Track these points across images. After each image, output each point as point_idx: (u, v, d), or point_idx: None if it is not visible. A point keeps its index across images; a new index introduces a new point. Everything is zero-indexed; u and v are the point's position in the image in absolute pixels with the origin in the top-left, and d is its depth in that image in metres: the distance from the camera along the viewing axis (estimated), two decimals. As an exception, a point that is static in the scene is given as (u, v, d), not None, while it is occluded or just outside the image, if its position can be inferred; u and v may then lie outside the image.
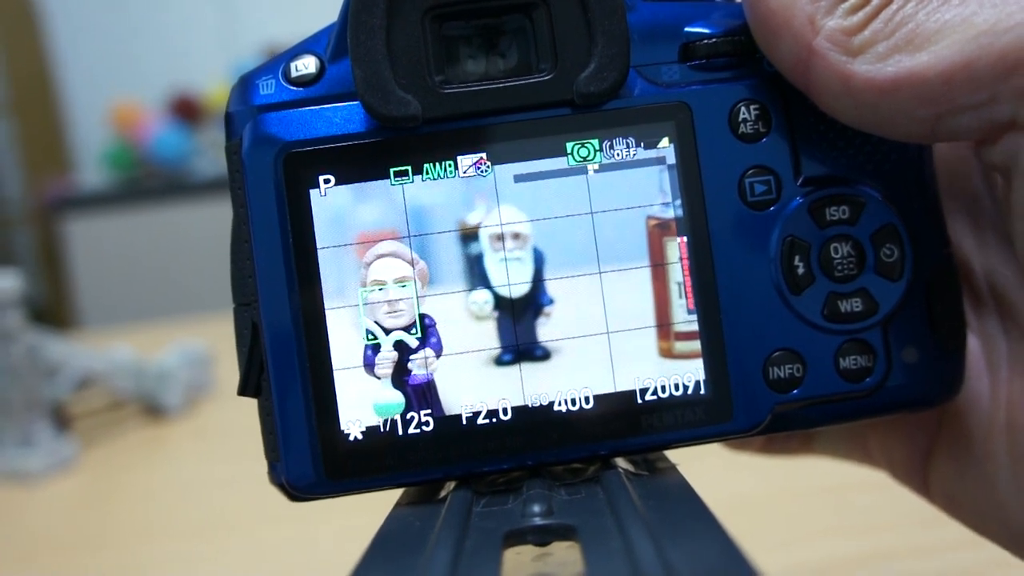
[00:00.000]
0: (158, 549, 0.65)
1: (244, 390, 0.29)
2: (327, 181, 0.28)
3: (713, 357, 0.29)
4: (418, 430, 0.28)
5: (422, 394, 0.28)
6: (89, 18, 3.04)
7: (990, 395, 0.30)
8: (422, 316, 0.28)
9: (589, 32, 0.28)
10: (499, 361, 0.28)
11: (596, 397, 0.28)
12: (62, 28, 3.07)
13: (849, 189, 0.29)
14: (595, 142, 0.28)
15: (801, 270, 0.29)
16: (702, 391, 0.28)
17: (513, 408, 0.28)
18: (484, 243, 0.28)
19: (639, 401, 0.28)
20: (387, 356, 0.28)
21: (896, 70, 0.25)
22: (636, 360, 0.28)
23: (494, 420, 0.28)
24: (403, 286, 0.28)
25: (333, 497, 0.28)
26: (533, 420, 0.28)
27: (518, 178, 0.28)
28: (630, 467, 0.28)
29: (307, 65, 0.29)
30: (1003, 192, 0.28)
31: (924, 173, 0.30)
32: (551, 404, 0.28)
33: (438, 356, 0.28)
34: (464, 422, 0.28)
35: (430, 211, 0.28)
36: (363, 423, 0.28)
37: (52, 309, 2.91)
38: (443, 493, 0.28)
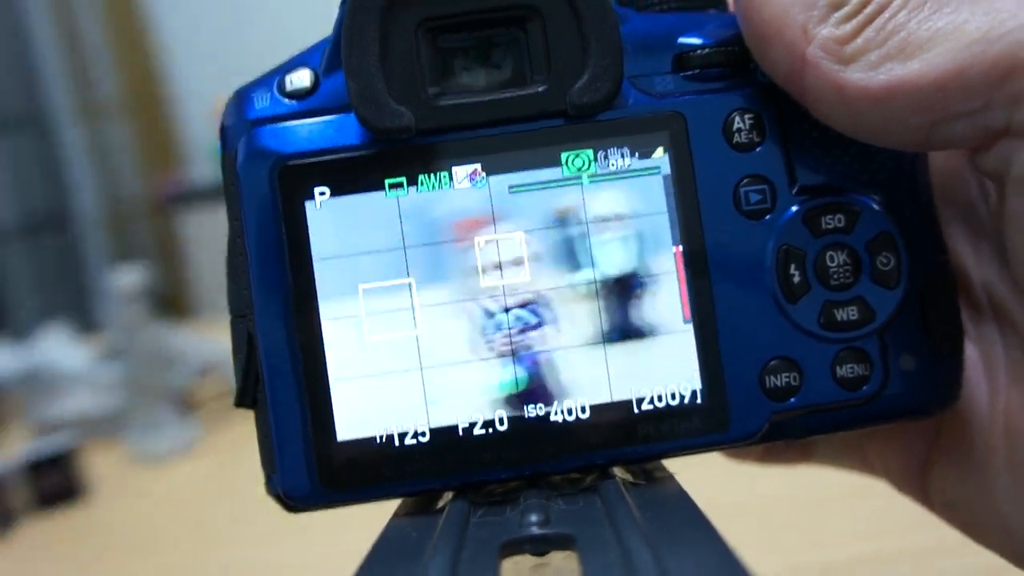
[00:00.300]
0: (274, 524, 0.68)
1: (241, 401, 0.29)
2: (322, 193, 0.28)
3: (709, 366, 0.28)
4: (414, 441, 0.28)
5: (540, 370, 0.28)
6: (197, 14, 3.11)
7: (988, 403, 0.30)
8: (535, 294, 0.28)
9: (582, 43, 0.28)
10: (607, 339, 0.28)
11: (592, 407, 0.28)
12: (170, 26, 3.14)
13: (844, 198, 0.29)
14: (589, 152, 0.28)
15: (797, 279, 0.29)
16: (699, 400, 0.28)
17: (509, 418, 0.28)
18: (585, 223, 0.28)
19: (636, 411, 0.28)
20: (506, 334, 0.28)
21: (889, 78, 0.25)
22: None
23: (490, 431, 0.28)
24: (517, 266, 0.28)
25: (329, 508, 0.28)
26: (529, 430, 0.28)
27: (513, 189, 0.28)
28: (628, 476, 0.28)
29: (301, 78, 0.29)
30: (996, 200, 0.28)
31: (919, 181, 0.30)
32: (547, 414, 0.28)
33: (555, 333, 0.28)
34: (460, 433, 0.28)
35: (525, 194, 0.28)
36: (359, 434, 0.28)
37: (170, 299, 3.00)
38: (441, 503, 0.28)
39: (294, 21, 3.05)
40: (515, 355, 0.28)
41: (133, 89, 3.15)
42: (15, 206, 2.93)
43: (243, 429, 0.91)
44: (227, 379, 0.97)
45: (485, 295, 0.28)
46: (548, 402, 0.28)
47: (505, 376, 0.28)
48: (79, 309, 2.80)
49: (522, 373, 0.28)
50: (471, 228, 0.29)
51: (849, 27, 0.26)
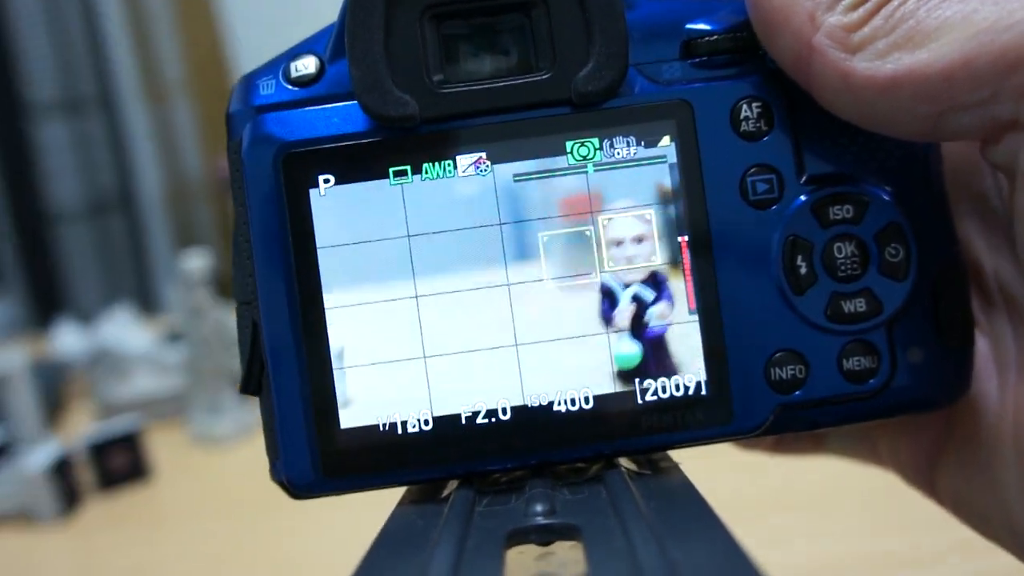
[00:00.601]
0: (331, 509, 0.69)
1: (246, 388, 0.29)
2: (327, 181, 0.28)
3: (714, 358, 0.28)
4: (417, 429, 0.28)
5: (657, 346, 0.28)
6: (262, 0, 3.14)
7: (998, 396, 0.30)
8: (655, 271, 0.28)
9: (587, 31, 0.28)
10: (612, 330, 0.28)
11: (596, 397, 0.28)
12: (234, 8, 3.16)
13: (853, 188, 0.29)
14: (595, 141, 0.28)
15: (804, 270, 0.28)
16: (703, 392, 0.28)
17: (512, 408, 0.28)
18: (591, 215, 0.28)
19: (639, 401, 0.28)
20: (625, 309, 0.28)
21: (896, 67, 0.25)
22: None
23: (493, 420, 0.28)
24: (639, 242, 0.28)
25: (332, 495, 0.28)
26: (532, 420, 0.28)
27: (518, 177, 0.28)
28: (633, 466, 0.28)
29: (307, 65, 0.29)
30: (1007, 193, 0.27)
31: (930, 171, 0.29)
32: (550, 404, 0.28)
33: (672, 308, 0.28)
34: (463, 422, 0.28)
35: (532, 190, 0.28)
36: (363, 422, 0.28)
37: (230, 282, 3.03)
38: (446, 492, 0.28)
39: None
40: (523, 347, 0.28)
41: (198, 70, 3.18)
42: (80, 188, 2.97)
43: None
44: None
45: (491, 284, 0.28)
46: (550, 393, 0.28)
47: (509, 370, 0.28)
48: (141, 291, 2.84)
49: (528, 365, 0.28)
50: (479, 218, 0.28)
51: (857, 15, 0.26)
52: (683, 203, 0.28)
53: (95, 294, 2.76)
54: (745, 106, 0.28)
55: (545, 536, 0.24)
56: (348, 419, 0.28)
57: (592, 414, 0.28)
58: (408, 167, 0.28)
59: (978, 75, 0.24)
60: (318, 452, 0.28)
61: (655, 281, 0.28)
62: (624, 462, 0.28)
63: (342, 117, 0.28)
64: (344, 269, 0.28)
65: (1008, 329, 0.30)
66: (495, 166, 0.28)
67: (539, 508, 0.24)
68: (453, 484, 0.28)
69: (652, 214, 0.28)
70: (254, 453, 0.84)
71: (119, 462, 0.81)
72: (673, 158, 0.28)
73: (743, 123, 0.28)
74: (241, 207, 0.29)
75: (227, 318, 0.89)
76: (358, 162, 0.28)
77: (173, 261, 0.87)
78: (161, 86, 3.21)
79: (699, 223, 0.28)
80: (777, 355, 0.28)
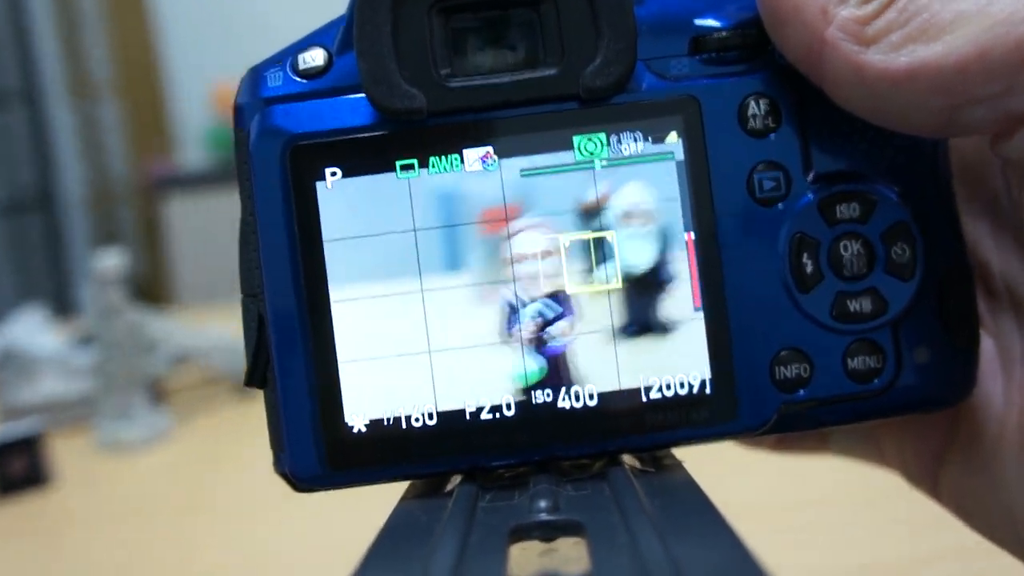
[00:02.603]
0: (246, 516, 0.68)
1: (250, 381, 0.29)
2: (333, 174, 0.28)
3: (719, 355, 0.28)
4: (422, 424, 0.28)
5: (558, 363, 0.28)
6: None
7: (1003, 396, 0.30)
8: (558, 288, 0.28)
9: (596, 26, 0.28)
10: (626, 332, 0.28)
11: (601, 394, 0.28)
12: (167, 9, 3.12)
13: (860, 186, 0.29)
14: (602, 136, 0.28)
15: (810, 268, 0.28)
16: (707, 390, 0.28)
17: (517, 404, 0.28)
18: (611, 220, 0.28)
19: (644, 399, 0.28)
20: (528, 325, 0.28)
21: (910, 60, 0.25)
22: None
23: (498, 415, 0.28)
24: (542, 259, 0.28)
25: (336, 489, 0.28)
26: (537, 416, 0.28)
27: (524, 172, 0.28)
28: (636, 463, 0.28)
29: (315, 57, 0.29)
30: (1017, 189, 0.27)
31: (938, 170, 0.29)
32: (555, 401, 0.28)
33: (572, 326, 0.28)
34: (468, 417, 0.28)
35: (550, 185, 0.28)
36: (367, 415, 0.28)
37: (151, 285, 2.98)
38: (449, 487, 0.28)
39: (293, 9, 3.04)
40: (531, 344, 0.28)
41: (126, 69, 3.14)
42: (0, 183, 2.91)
43: (215, 421, 0.91)
44: (202, 369, 0.96)
45: (498, 281, 0.28)
46: (558, 391, 0.28)
47: (520, 365, 0.28)
48: (58, 293, 2.78)
49: (539, 363, 0.28)
50: (485, 213, 0.28)
51: (870, 8, 0.25)
52: (689, 199, 0.28)
53: (8, 295, 2.70)
54: (753, 103, 0.28)
55: (548, 532, 0.24)
56: (353, 412, 0.28)
57: (597, 411, 0.28)
58: (415, 161, 0.28)
59: (993, 68, 0.24)
60: (323, 445, 0.28)
61: (555, 296, 0.28)
62: (627, 459, 0.28)
63: (350, 110, 0.28)
64: (350, 262, 0.28)
65: (1014, 328, 0.30)
66: (502, 160, 0.28)
67: (543, 504, 0.24)
68: (456, 479, 0.28)
69: (560, 237, 0.28)
70: (164, 460, 0.82)
71: (17, 467, 0.78)
72: (680, 154, 0.28)
73: (751, 120, 0.28)
74: (247, 199, 0.29)
75: (141, 321, 0.87)
76: (365, 155, 0.28)
77: (92, 263, 0.84)
78: (88, 84, 3.16)
79: (705, 220, 0.28)
80: (782, 353, 0.28)
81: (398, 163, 0.28)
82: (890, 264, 0.28)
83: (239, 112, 0.29)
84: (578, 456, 0.28)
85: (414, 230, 0.28)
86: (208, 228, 2.65)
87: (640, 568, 0.20)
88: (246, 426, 0.90)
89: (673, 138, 0.28)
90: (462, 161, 0.28)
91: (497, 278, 0.28)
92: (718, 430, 0.28)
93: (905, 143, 0.29)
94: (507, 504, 0.25)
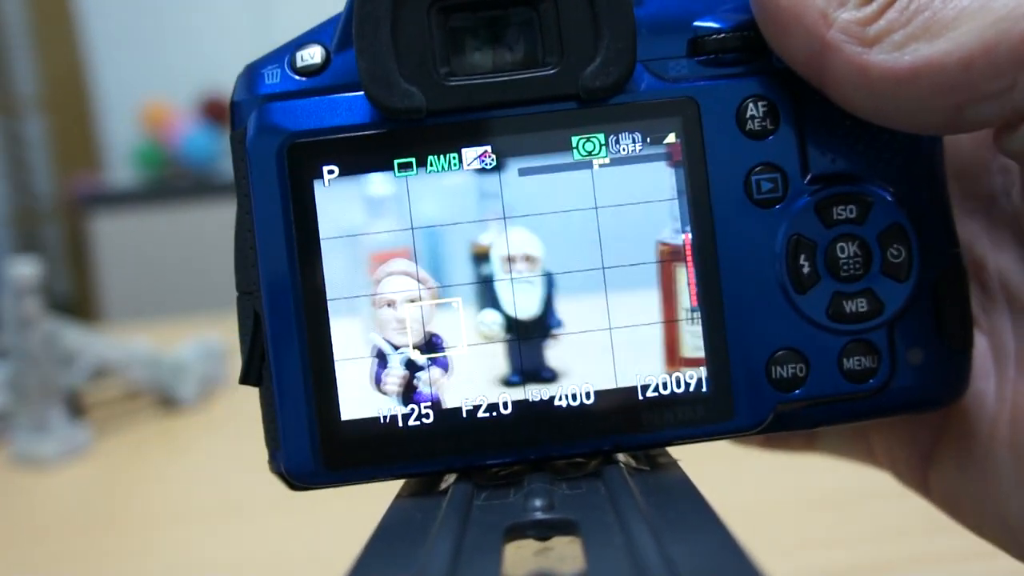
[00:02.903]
0: (168, 535, 0.66)
1: (245, 379, 0.29)
2: (331, 172, 0.28)
3: (716, 355, 0.28)
4: (418, 422, 0.28)
5: (539, 360, 0.28)
6: (122, 17, 3.06)
7: (996, 394, 0.30)
8: (431, 335, 0.28)
9: (595, 26, 0.28)
10: (507, 382, 0.28)
11: (597, 393, 0.28)
12: (95, 26, 3.09)
13: (857, 188, 0.29)
14: (600, 137, 0.28)
15: (806, 269, 0.29)
16: (704, 389, 0.28)
17: (514, 402, 0.28)
18: (495, 265, 0.28)
19: (640, 397, 0.28)
20: (395, 373, 0.28)
21: (914, 58, 0.25)
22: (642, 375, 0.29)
23: (494, 414, 0.28)
24: (412, 304, 0.28)
25: (332, 487, 0.28)
26: (533, 414, 0.28)
27: (523, 172, 0.28)
28: (631, 462, 0.28)
29: (313, 55, 0.29)
30: (1019, 183, 0.28)
31: (934, 172, 0.29)
32: (552, 398, 0.28)
33: (445, 374, 0.28)
34: (464, 415, 0.28)
35: (442, 231, 0.28)
36: (363, 414, 0.28)
37: (77, 304, 2.93)
38: (444, 485, 0.28)
39: (221, 29, 3.02)
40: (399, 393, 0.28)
41: (53, 85, 3.09)
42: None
43: (136, 436, 0.88)
44: (122, 383, 0.93)
45: (492, 275, 0.28)
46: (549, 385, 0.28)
47: (505, 367, 0.28)
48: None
49: (517, 375, 0.28)
50: (487, 238, 0.28)
51: (871, 9, 0.26)
52: (687, 200, 0.28)
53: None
54: (751, 105, 0.29)
55: (544, 531, 0.24)
56: (349, 411, 0.28)
57: (593, 409, 0.28)
58: (413, 159, 0.28)
59: (998, 63, 0.24)
60: (319, 443, 0.28)
61: (429, 345, 0.28)
62: (622, 458, 0.28)
63: (348, 108, 0.28)
64: (347, 260, 0.28)
65: (1008, 327, 0.30)
66: (500, 160, 0.28)
67: (538, 503, 0.24)
68: (451, 477, 0.28)
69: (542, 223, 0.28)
70: (82, 476, 0.80)
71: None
72: (678, 155, 0.28)
73: (749, 122, 0.29)
74: (244, 196, 0.29)
75: (59, 332, 0.84)
76: (363, 153, 0.28)
77: (6, 272, 0.82)
78: (13, 100, 3.10)
79: (703, 220, 0.28)
80: (778, 353, 0.29)
81: (396, 162, 0.28)
82: (886, 265, 0.29)
83: (235, 109, 0.29)
84: (573, 455, 0.29)
85: (411, 229, 0.28)
86: (135, 246, 2.62)
87: (635, 567, 0.20)
88: (168, 441, 0.88)
89: (671, 139, 0.28)
90: (460, 160, 0.28)
91: (489, 273, 0.28)
92: (714, 429, 0.28)
93: (901, 145, 0.29)
94: (502, 503, 0.25)
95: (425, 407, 0.28)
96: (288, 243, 0.28)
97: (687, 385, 0.28)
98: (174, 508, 0.72)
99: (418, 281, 0.28)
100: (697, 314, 0.28)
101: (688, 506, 0.24)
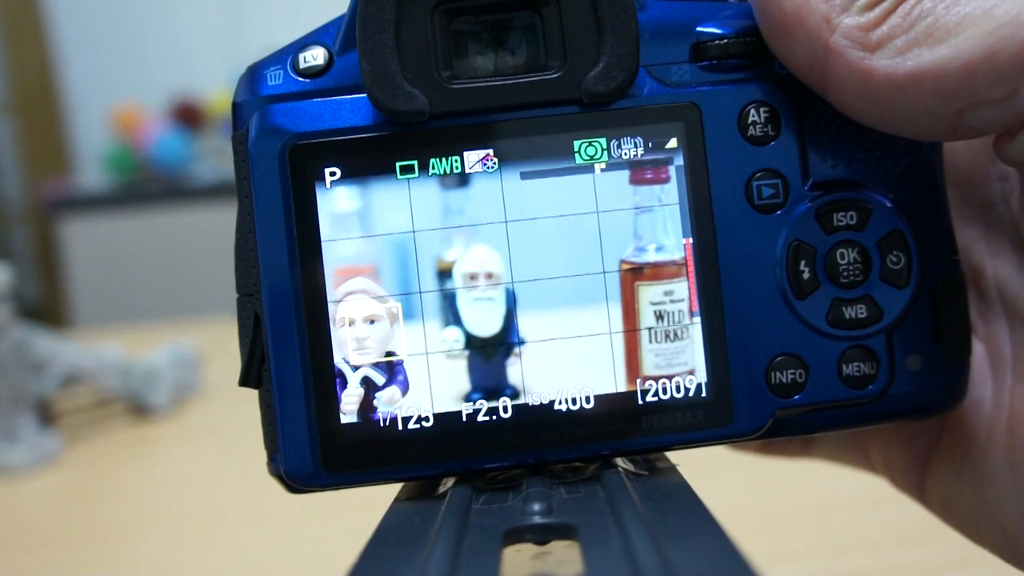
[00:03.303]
0: (139, 544, 0.66)
1: (245, 381, 0.29)
2: (333, 174, 0.28)
3: (715, 360, 0.28)
4: (418, 425, 0.28)
5: (536, 362, 0.28)
6: (93, 20, 3.04)
7: (993, 400, 0.30)
8: (389, 353, 0.28)
9: (599, 30, 0.28)
10: (467, 399, 0.28)
11: (597, 397, 0.28)
12: (66, 29, 3.06)
13: (857, 194, 0.29)
14: (602, 141, 0.28)
15: (806, 275, 0.29)
16: (703, 394, 0.28)
17: (513, 406, 0.28)
18: (457, 281, 0.28)
19: (640, 402, 0.28)
20: (353, 392, 0.28)
21: (917, 64, 0.25)
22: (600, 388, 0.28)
23: (494, 418, 0.28)
24: (371, 323, 0.28)
25: (330, 489, 0.28)
26: (533, 418, 0.28)
27: (525, 175, 0.28)
28: (630, 466, 0.28)
29: (315, 56, 0.29)
30: (1019, 190, 0.28)
31: (933, 180, 0.30)
32: (551, 403, 0.28)
33: (404, 394, 0.28)
34: (464, 419, 0.28)
35: (405, 246, 0.28)
36: (363, 416, 0.28)
37: (47, 309, 2.90)
38: (442, 489, 0.28)
39: (193, 33, 3.01)
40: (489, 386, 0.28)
41: (24, 91, 3.07)
42: None
43: (107, 444, 0.88)
44: (94, 391, 0.92)
45: (494, 283, 0.28)
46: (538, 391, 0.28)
47: (467, 384, 0.28)
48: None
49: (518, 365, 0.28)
50: (451, 255, 0.28)
51: (873, 15, 0.26)
52: (689, 205, 0.28)
53: None
54: (753, 111, 0.29)
55: (542, 535, 0.24)
56: (349, 414, 0.28)
57: (593, 414, 0.28)
58: (415, 162, 0.28)
59: (1000, 70, 0.24)
60: (318, 446, 0.28)
61: (388, 365, 0.28)
62: (621, 462, 0.28)
63: (350, 110, 0.28)
64: (349, 263, 0.28)
65: (1006, 334, 0.30)
66: (502, 163, 0.28)
67: (536, 507, 0.24)
68: (449, 481, 0.28)
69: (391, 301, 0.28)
70: (51, 484, 0.79)
71: None
72: (680, 160, 0.29)
73: (751, 127, 0.29)
74: (245, 198, 0.29)
75: (29, 339, 0.83)
76: (365, 156, 0.28)
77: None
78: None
79: (704, 225, 0.28)
80: (778, 359, 0.29)
81: (398, 164, 0.28)
82: (885, 272, 0.29)
83: (237, 110, 0.29)
84: (572, 459, 0.28)
85: (413, 231, 0.28)
86: (106, 251, 2.60)
87: (633, 571, 0.20)
88: (141, 449, 0.87)
89: (673, 144, 0.28)
90: (462, 163, 0.28)
91: (495, 279, 0.28)
92: (714, 434, 0.28)
93: (901, 152, 0.29)
94: (500, 507, 0.25)
95: (424, 410, 0.28)
96: (289, 245, 0.28)
97: (687, 390, 0.28)
98: (146, 516, 0.70)
99: (379, 300, 0.28)
100: (660, 330, 0.28)
101: (687, 511, 0.24)
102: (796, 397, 0.29)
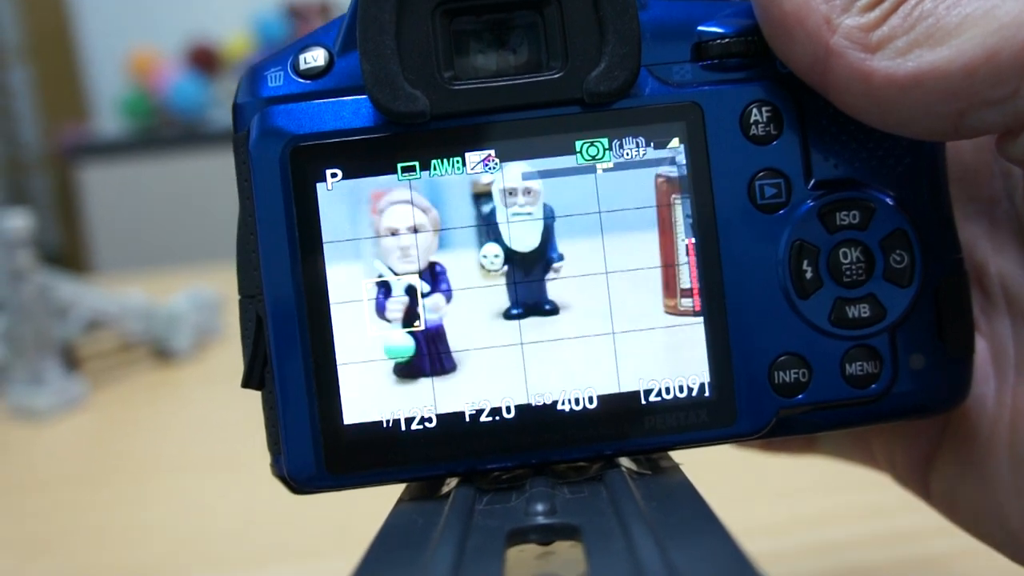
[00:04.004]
0: (164, 485, 0.67)
1: (248, 382, 0.29)
2: (334, 175, 0.28)
3: (718, 360, 0.28)
4: (421, 426, 0.28)
5: (431, 340, 0.28)
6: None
7: (996, 398, 0.30)
8: (433, 263, 0.28)
9: (600, 30, 0.28)
10: (508, 314, 0.28)
11: (600, 397, 0.28)
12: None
13: (860, 193, 0.29)
14: (604, 141, 0.28)
15: (809, 275, 0.29)
16: (706, 393, 0.28)
17: (516, 406, 0.28)
18: (496, 198, 0.28)
19: (643, 402, 0.28)
20: (398, 300, 0.28)
21: (917, 64, 0.25)
22: (640, 316, 0.28)
23: (497, 418, 0.28)
24: (415, 232, 0.28)
25: (333, 490, 0.28)
26: (536, 418, 0.28)
27: (526, 176, 0.28)
28: (633, 466, 0.28)
29: (316, 58, 0.29)
30: (1021, 188, 0.28)
31: (936, 178, 0.29)
32: (555, 403, 0.28)
33: (448, 302, 0.28)
34: (467, 419, 0.28)
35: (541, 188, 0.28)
36: (366, 418, 0.28)
37: (67, 255, 2.92)
38: (446, 489, 0.28)
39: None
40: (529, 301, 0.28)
41: (39, 37, 3.06)
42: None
43: (131, 387, 0.89)
44: (117, 335, 0.93)
45: (495, 283, 0.28)
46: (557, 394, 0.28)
47: (506, 300, 0.28)
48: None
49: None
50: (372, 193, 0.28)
51: (874, 15, 0.26)
52: (691, 205, 0.28)
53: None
54: (755, 110, 0.29)
55: (546, 536, 0.24)
56: (352, 415, 0.28)
57: (596, 414, 0.28)
58: (416, 163, 0.28)
59: (1001, 70, 0.24)
60: (321, 447, 0.28)
61: (432, 273, 0.28)
62: (624, 462, 0.29)
63: (351, 111, 0.28)
64: (350, 264, 0.28)
65: (1008, 332, 0.30)
66: (504, 164, 0.28)
67: (540, 507, 0.24)
68: (452, 482, 0.28)
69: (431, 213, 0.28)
70: (77, 427, 0.80)
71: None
72: (682, 160, 0.28)
73: (753, 127, 0.29)
74: (247, 199, 0.29)
75: (52, 284, 0.84)
76: (366, 157, 0.28)
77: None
78: (-2, 48, 3.07)
79: (707, 226, 0.28)
80: (781, 358, 0.29)
81: (400, 165, 0.28)
82: (888, 271, 0.29)
83: (238, 112, 0.29)
84: (575, 459, 0.29)
85: (415, 231, 0.28)
86: (125, 196, 2.61)
87: (637, 571, 0.20)
88: (164, 392, 0.88)
89: (675, 144, 0.28)
90: (464, 164, 0.28)
91: (496, 280, 0.28)
92: (717, 434, 0.29)
93: (904, 151, 0.29)
94: (504, 507, 0.25)
95: (427, 411, 0.28)
96: (291, 247, 0.28)
97: (690, 390, 0.28)
98: (170, 458, 0.72)
99: (422, 210, 0.28)
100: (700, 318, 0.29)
101: (690, 510, 0.24)
102: (799, 396, 0.29)
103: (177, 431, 0.79)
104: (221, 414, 0.79)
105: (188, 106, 2.71)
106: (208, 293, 0.98)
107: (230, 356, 0.94)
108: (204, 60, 2.78)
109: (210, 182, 2.49)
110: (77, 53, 3.08)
